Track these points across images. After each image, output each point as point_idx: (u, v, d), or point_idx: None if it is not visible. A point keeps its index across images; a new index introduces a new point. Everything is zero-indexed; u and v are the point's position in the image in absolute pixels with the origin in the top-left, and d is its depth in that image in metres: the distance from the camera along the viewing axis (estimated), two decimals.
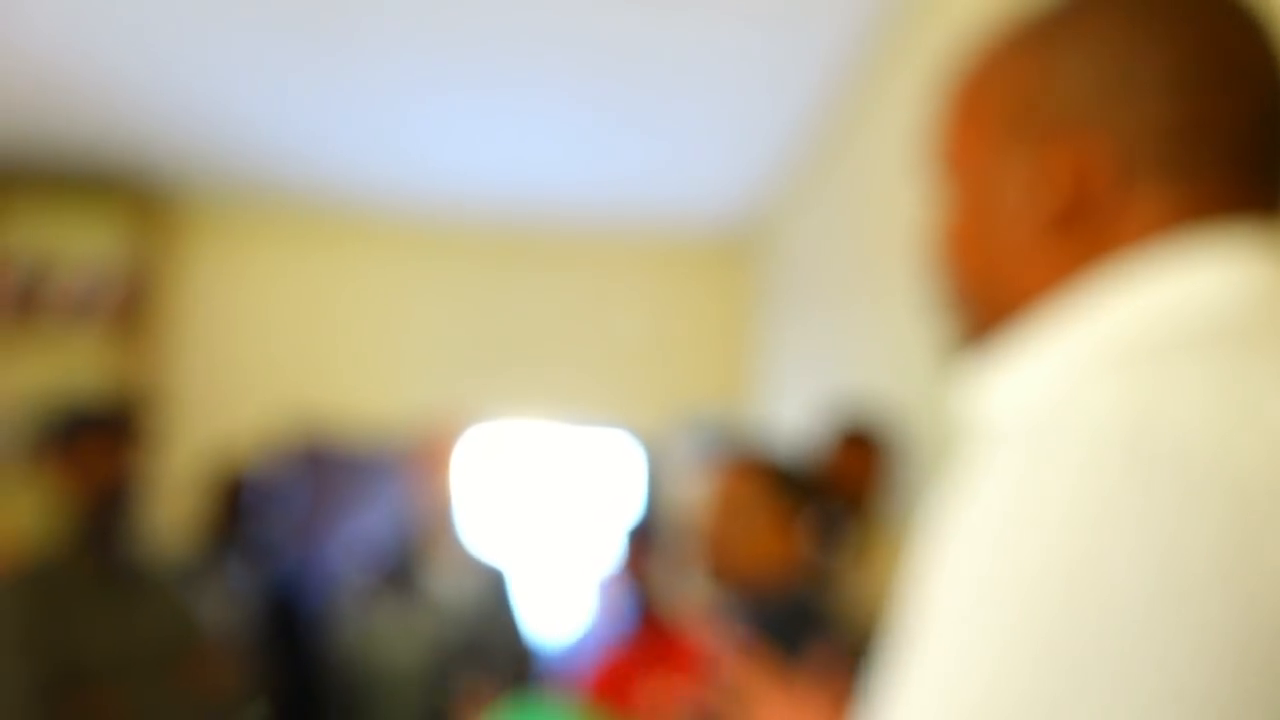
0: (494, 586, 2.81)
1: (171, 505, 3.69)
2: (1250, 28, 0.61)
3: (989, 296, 0.67)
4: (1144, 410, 0.47)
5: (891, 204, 2.70)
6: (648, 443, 4.55)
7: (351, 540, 3.37)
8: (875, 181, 2.89)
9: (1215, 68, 0.60)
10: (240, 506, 3.26)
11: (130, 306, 4.06)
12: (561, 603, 4.15)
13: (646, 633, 2.49)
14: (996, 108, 0.66)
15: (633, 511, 4.02)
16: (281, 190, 4.38)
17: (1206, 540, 0.44)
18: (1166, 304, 0.56)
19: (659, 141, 3.77)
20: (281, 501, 3.56)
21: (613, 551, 2.69)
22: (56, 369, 3.86)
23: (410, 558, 2.78)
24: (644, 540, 2.64)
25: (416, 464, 2.90)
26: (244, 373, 4.41)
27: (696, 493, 1.81)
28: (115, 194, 4.12)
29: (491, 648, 2.72)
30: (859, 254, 3.03)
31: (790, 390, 3.87)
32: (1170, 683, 0.43)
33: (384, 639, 2.69)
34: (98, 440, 2.13)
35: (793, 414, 3.61)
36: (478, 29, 2.96)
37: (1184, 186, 0.59)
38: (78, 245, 4.04)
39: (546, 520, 4.53)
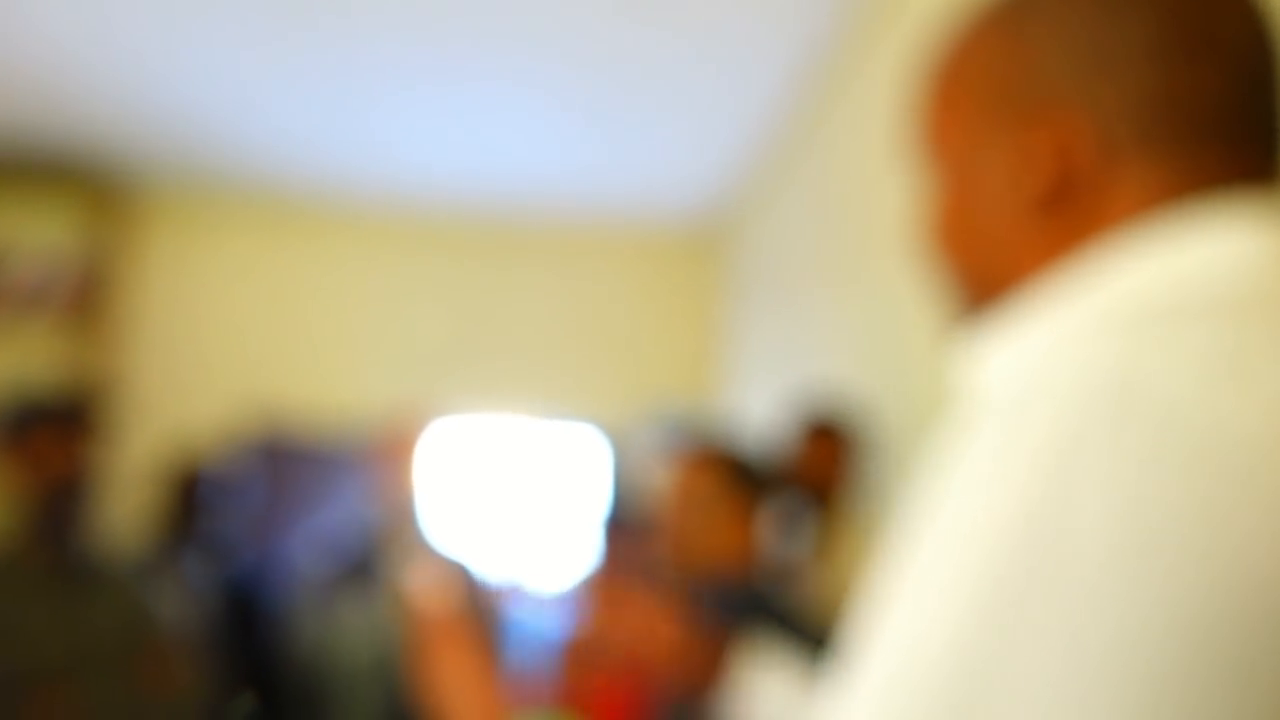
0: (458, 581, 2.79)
1: (127, 499, 3.64)
2: None
3: (981, 281, 0.66)
4: (1134, 371, 0.46)
5: (857, 197, 2.70)
6: (614, 436, 4.54)
7: (312, 535, 3.33)
8: (841, 175, 2.89)
9: (1193, 36, 0.59)
10: (197, 501, 3.21)
11: (85, 297, 3.99)
12: (526, 597, 4.13)
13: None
14: (974, 91, 0.65)
15: (599, 506, 4.01)
16: (241, 180, 4.32)
17: (1173, 499, 0.43)
18: (1161, 277, 0.55)
19: (624, 135, 3.75)
20: (239, 495, 3.52)
21: (580, 546, 2.68)
22: (10, 360, 3.79)
23: (372, 552, 2.76)
24: (620, 533, 2.63)
25: (379, 458, 2.87)
26: (202, 365, 4.35)
27: (659, 485, 1.80)
28: (71, 183, 4.05)
29: None
30: (825, 246, 3.03)
31: (757, 382, 3.87)
32: (1125, 638, 0.42)
33: (345, 634, 2.66)
34: (51, 433, 2.08)
35: (759, 406, 3.61)
36: (445, 20, 2.93)
37: (1169, 159, 0.58)
38: (32, 235, 3.97)
39: (511, 514, 4.51)
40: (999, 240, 0.64)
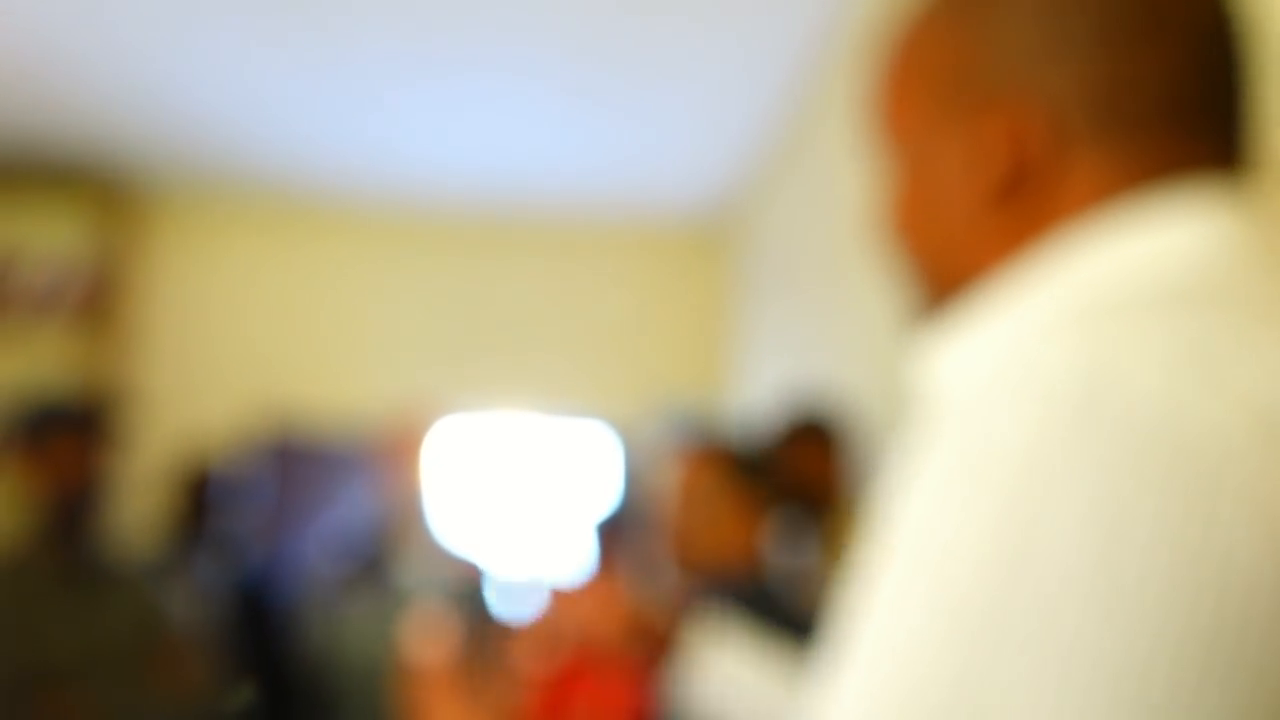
0: (466, 579, 2.80)
1: (139, 501, 3.66)
2: None
3: (941, 270, 0.65)
4: (1098, 368, 0.45)
5: (864, 192, 2.70)
6: (623, 432, 4.54)
7: (322, 534, 3.35)
8: (848, 170, 2.89)
9: (1146, 20, 0.57)
10: (207, 501, 3.23)
11: (96, 300, 4.01)
12: (535, 594, 4.14)
13: None
14: (928, 80, 0.64)
15: (607, 502, 4.02)
16: (250, 181, 4.33)
17: (1149, 506, 0.41)
18: (1120, 268, 0.54)
19: (632, 130, 3.76)
20: (249, 496, 3.54)
21: (587, 543, 2.69)
22: (21, 363, 3.81)
23: (381, 551, 2.77)
24: (617, 532, 2.64)
25: (388, 456, 2.89)
26: (212, 366, 4.37)
27: (664, 481, 1.80)
28: (81, 186, 4.07)
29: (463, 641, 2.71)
30: (832, 242, 3.03)
31: (764, 378, 3.87)
32: (1107, 647, 0.41)
33: (355, 633, 2.68)
34: (68, 439, 2.09)
35: (766, 402, 3.61)
36: (449, 16, 2.94)
37: (1124, 146, 0.57)
38: (43, 238, 3.99)
39: (520, 512, 4.52)
40: (955, 231, 0.63)
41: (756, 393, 3.97)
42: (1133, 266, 0.53)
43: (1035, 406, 0.44)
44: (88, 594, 2.07)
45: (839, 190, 2.96)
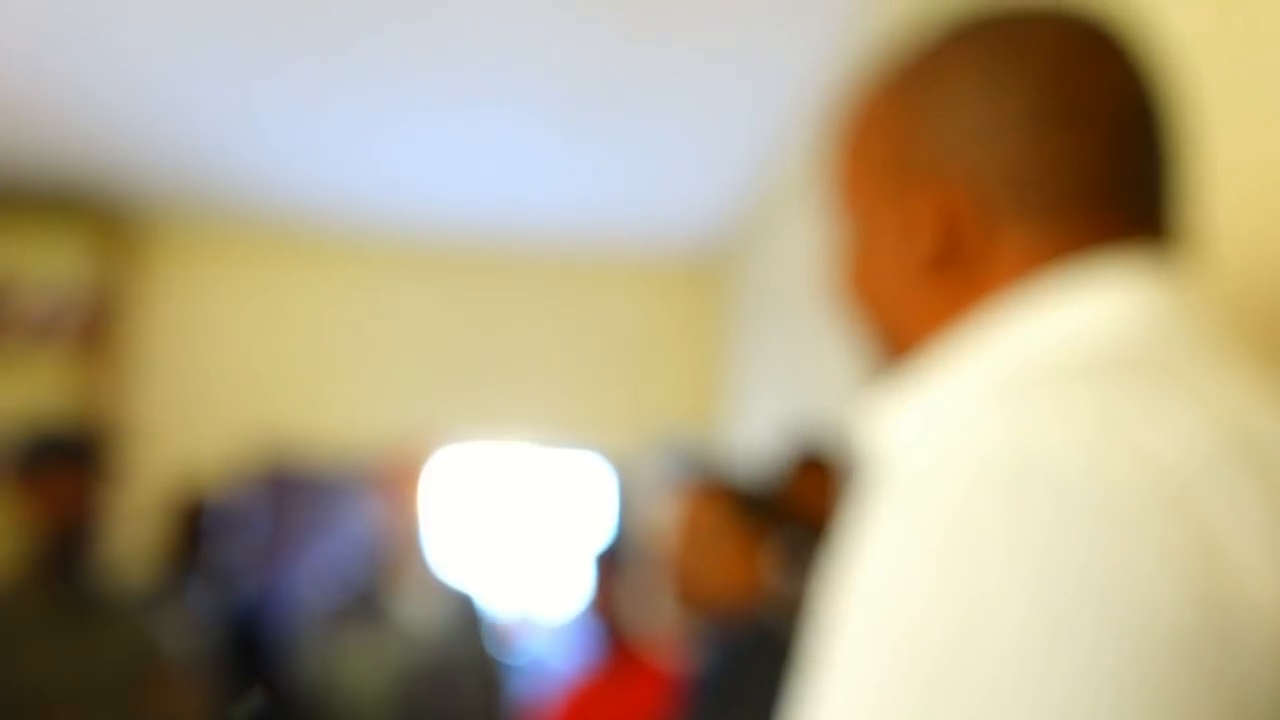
0: (462, 611, 2.79)
1: (134, 530, 3.64)
2: (1111, 58, 0.62)
3: (886, 334, 0.68)
4: (1021, 439, 0.48)
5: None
6: (618, 465, 4.54)
7: (317, 565, 3.33)
8: None
9: (1069, 102, 0.61)
10: (202, 531, 3.22)
11: (94, 328, 4.01)
12: (531, 627, 4.12)
13: (615, 659, 2.48)
14: (874, 152, 0.67)
15: (603, 535, 4.01)
16: (249, 210, 4.35)
17: (1078, 564, 0.44)
18: (1044, 338, 0.57)
19: (628, 164, 3.78)
20: (244, 526, 3.52)
21: (583, 576, 2.68)
22: (19, 391, 3.81)
23: (377, 582, 2.75)
24: (613, 565, 2.63)
25: (384, 487, 2.88)
26: (209, 395, 4.37)
27: (664, 517, 1.80)
28: (79, 213, 4.08)
29: (459, 674, 2.69)
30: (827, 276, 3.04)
31: (761, 412, 3.88)
32: (1051, 695, 0.43)
33: (349, 665, 2.66)
34: (64, 469, 2.09)
35: (762, 436, 3.61)
36: (449, 49, 2.96)
37: (1048, 223, 0.60)
38: (41, 266, 3.99)
39: (516, 544, 4.50)
40: (895, 298, 0.66)
41: (751, 427, 3.97)
42: (1054, 338, 0.57)
43: (968, 475, 0.48)
44: (82, 624, 2.06)
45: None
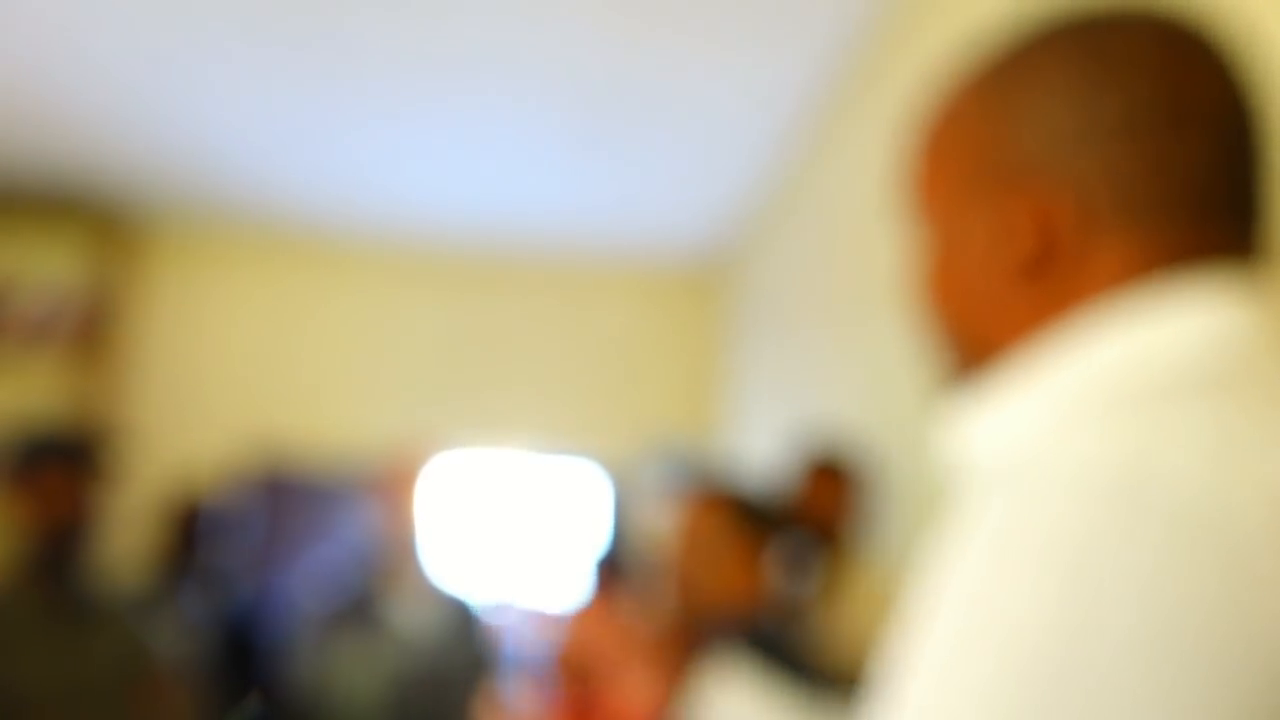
0: (457, 618, 2.77)
1: (129, 532, 3.63)
2: (1212, 66, 0.61)
3: (967, 341, 0.67)
4: (1133, 459, 0.47)
5: (859, 236, 2.71)
6: (615, 472, 4.53)
7: (312, 569, 3.32)
8: (844, 214, 2.91)
9: (1172, 109, 0.59)
10: (196, 535, 3.20)
11: (90, 331, 4.00)
12: (526, 634, 4.10)
13: None
14: (960, 157, 0.66)
15: (600, 542, 3.99)
16: (246, 214, 4.34)
17: (1199, 598, 0.43)
18: (1142, 352, 0.56)
19: (629, 171, 3.78)
20: (239, 530, 3.50)
21: (580, 582, 2.67)
22: (14, 392, 3.79)
23: (371, 588, 2.74)
24: (612, 572, 2.62)
25: (380, 492, 2.86)
26: (205, 398, 4.35)
27: (663, 525, 1.79)
28: (76, 216, 4.07)
29: (453, 679, 2.68)
30: (827, 285, 3.04)
31: (758, 420, 3.87)
32: (1167, 716, 0.42)
33: (343, 670, 2.65)
34: (60, 471, 2.07)
35: (761, 444, 3.61)
36: (448, 55, 2.96)
37: (1149, 231, 0.59)
38: (38, 268, 3.98)
39: (512, 550, 4.49)
40: (983, 304, 0.65)
41: (748, 434, 3.97)
42: (1153, 351, 0.56)
43: (1070, 499, 0.46)
44: (74, 627, 2.05)
45: (834, 235, 2.98)
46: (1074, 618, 0.44)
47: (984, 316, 0.65)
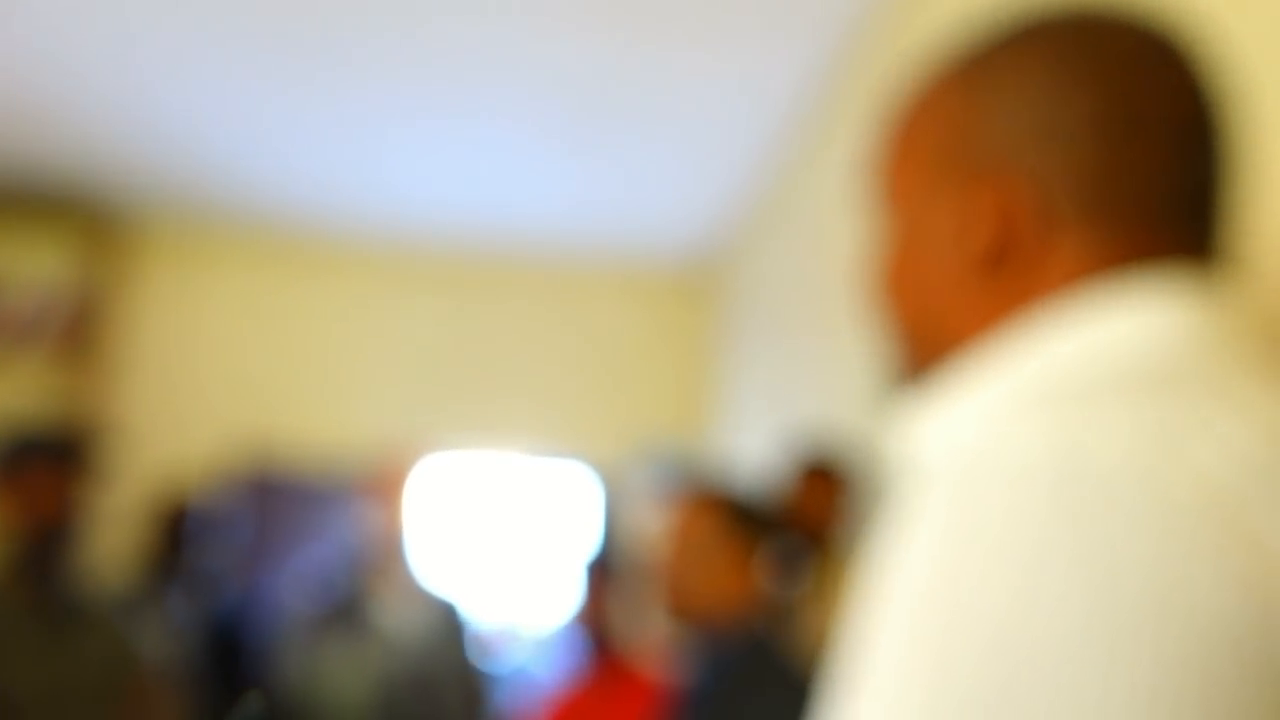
0: (444, 620, 2.76)
1: (115, 533, 3.61)
2: (1178, 72, 0.61)
3: (923, 333, 0.67)
4: (1068, 448, 0.48)
5: (850, 238, 2.71)
6: (605, 475, 4.52)
7: (299, 571, 3.30)
8: (834, 216, 2.91)
9: (1138, 111, 0.60)
10: (183, 536, 3.18)
11: (79, 330, 3.98)
12: (515, 637, 4.09)
13: (602, 669, 2.46)
14: (929, 146, 0.66)
15: (590, 544, 3.99)
16: (236, 214, 4.32)
17: (1139, 572, 0.44)
18: (1091, 349, 0.57)
19: (619, 174, 3.77)
20: (226, 531, 3.49)
21: (570, 586, 2.66)
22: (2, 392, 3.77)
23: (359, 590, 2.73)
24: (602, 575, 2.61)
25: (368, 494, 2.85)
26: (194, 399, 4.33)
27: (654, 527, 1.79)
28: (67, 215, 4.05)
29: (441, 682, 2.67)
30: (817, 288, 3.04)
31: (749, 422, 3.87)
32: (1115, 689, 0.43)
33: (331, 673, 2.63)
34: (46, 470, 2.05)
35: (751, 446, 3.60)
36: (439, 58, 2.95)
37: (1105, 230, 0.60)
38: (28, 267, 3.96)
39: (501, 553, 4.48)
40: (940, 295, 0.65)
41: (739, 437, 3.97)
42: (1102, 347, 0.57)
43: (1010, 490, 0.48)
44: (58, 629, 2.03)
45: (826, 237, 2.98)
46: (1010, 608, 0.45)
47: (940, 307, 0.65)
